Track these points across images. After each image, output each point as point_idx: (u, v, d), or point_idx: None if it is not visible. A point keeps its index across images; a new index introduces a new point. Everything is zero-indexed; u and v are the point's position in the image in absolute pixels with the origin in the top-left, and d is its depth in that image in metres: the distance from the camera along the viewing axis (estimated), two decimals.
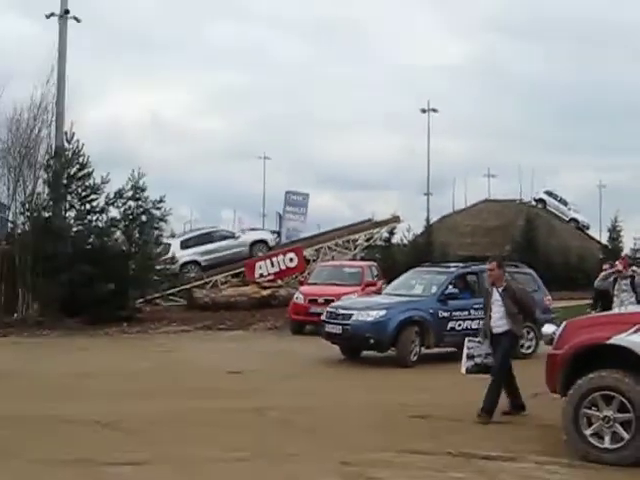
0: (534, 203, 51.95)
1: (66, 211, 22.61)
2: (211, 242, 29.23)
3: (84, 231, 22.37)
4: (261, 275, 28.04)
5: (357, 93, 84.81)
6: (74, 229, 22.51)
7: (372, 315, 14.17)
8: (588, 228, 51.99)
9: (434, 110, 47.68)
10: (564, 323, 8.01)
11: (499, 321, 9.48)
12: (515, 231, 45.11)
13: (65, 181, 22.32)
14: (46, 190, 22.63)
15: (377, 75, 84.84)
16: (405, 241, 42.46)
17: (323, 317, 15.01)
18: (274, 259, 28.58)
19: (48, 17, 23.72)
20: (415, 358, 14.27)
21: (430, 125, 47.43)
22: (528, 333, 14.73)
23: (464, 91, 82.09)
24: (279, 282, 27.89)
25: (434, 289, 14.96)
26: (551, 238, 44.64)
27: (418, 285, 15.61)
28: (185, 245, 28.81)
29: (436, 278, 15.39)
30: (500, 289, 9.60)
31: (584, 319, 8.39)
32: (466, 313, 14.53)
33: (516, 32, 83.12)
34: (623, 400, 7.26)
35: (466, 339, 9.69)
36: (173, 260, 25.80)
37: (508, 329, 9.43)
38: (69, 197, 22.46)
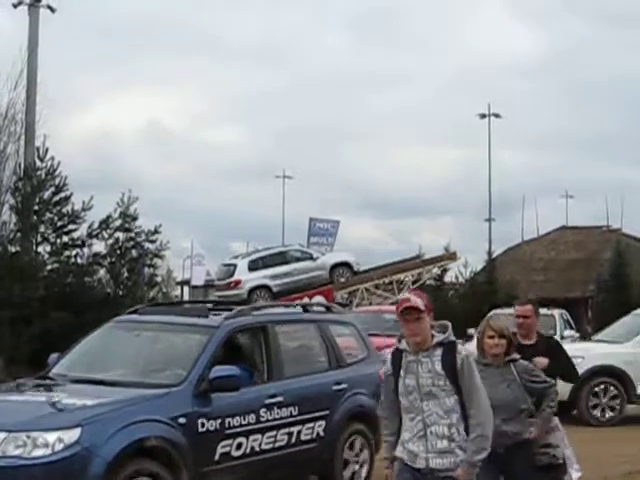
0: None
1: (38, 245, 22.72)
2: (284, 263, 29.80)
3: (60, 270, 22.45)
4: None
5: (401, 98, 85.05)
6: (48, 267, 22.61)
7: (48, 443, 7.61)
8: None
9: (496, 115, 47.62)
10: None
11: None
12: (600, 266, 44.65)
13: (37, 208, 22.45)
14: (13, 219, 22.80)
15: (425, 75, 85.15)
16: (461, 279, 42.25)
17: None
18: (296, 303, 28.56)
19: (16, 6, 24.14)
20: None
21: (491, 134, 47.40)
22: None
23: (534, 92, 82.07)
24: None
25: (180, 370, 8.95)
26: None
27: (126, 360, 9.67)
28: (254, 267, 29.27)
29: (179, 341, 9.68)
30: None
31: None
32: (252, 418, 9.07)
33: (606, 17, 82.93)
34: None
35: None
36: (238, 285, 26.39)
37: None
38: (41, 228, 22.57)
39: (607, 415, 16.54)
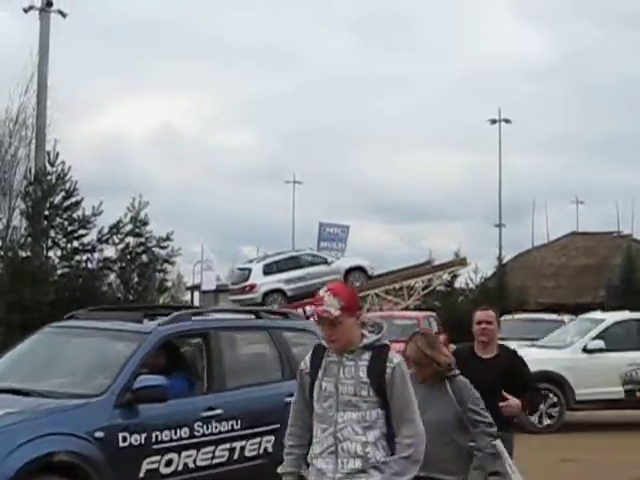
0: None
1: (48, 250, 22.73)
2: (299, 267, 29.96)
3: (70, 274, 22.45)
4: None
5: (408, 102, 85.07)
6: (58, 272, 22.61)
7: None
8: None
9: (506, 121, 47.57)
10: None
11: None
12: (611, 272, 44.50)
13: (47, 212, 22.46)
14: (24, 224, 22.81)
15: (432, 80, 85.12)
16: (472, 285, 42.12)
17: None
18: (307, 309, 28.52)
19: (26, 11, 24.15)
20: None
21: (502, 139, 47.38)
22: None
23: (542, 95, 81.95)
24: None
25: (106, 379, 8.20)
26: None
27: (55, 368, 9.00)
28: (268, 271, 29.44)
29: (109, 348, 8.91)
30: None
31: None
32: (185, 432, 8.25)
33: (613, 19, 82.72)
34: None
35: None
36: (253, 289, 26.57)
37: None
38: (52, 232, 22.59)
39: (546, 422, 16.14)
